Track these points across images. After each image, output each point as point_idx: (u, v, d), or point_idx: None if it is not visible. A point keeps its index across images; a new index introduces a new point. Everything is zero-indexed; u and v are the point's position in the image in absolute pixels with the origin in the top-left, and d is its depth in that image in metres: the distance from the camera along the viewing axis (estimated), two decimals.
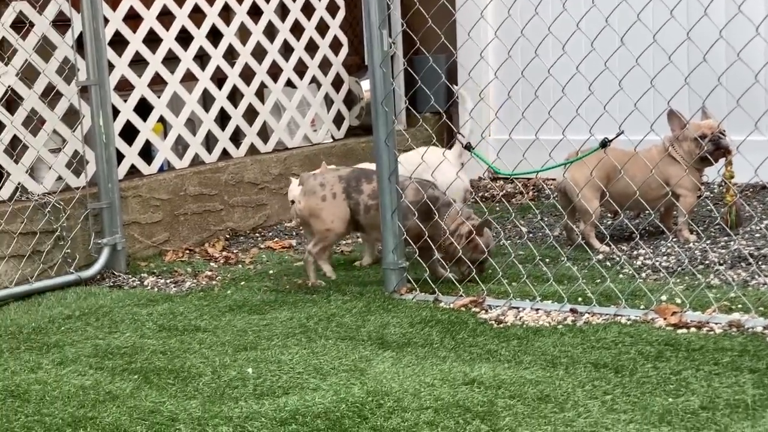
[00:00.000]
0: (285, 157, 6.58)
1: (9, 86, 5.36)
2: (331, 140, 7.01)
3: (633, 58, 4.11)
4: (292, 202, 5.14)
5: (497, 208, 6.17)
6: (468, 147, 4.58)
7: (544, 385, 3.40)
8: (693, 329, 3.86)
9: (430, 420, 3.18)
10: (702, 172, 5.30)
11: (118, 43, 5.86)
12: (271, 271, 5.33)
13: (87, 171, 5.56)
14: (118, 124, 5.80)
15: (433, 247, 4.74)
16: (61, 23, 5.54)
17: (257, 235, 6.27)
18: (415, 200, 4.70)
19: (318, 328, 4.24)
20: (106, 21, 5.64)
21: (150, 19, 6.02)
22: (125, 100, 5.89)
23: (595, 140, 4.53)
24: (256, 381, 3.66)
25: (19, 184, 5.38)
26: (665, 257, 4.96)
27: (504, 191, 6.68)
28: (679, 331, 3.85)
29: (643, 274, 4.72)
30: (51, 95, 5.49)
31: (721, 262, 4.77)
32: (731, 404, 3.14)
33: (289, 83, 6.81)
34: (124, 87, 5.93)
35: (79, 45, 5.47)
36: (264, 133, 6.67)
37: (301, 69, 6.86)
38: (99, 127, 5.43)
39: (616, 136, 4.24)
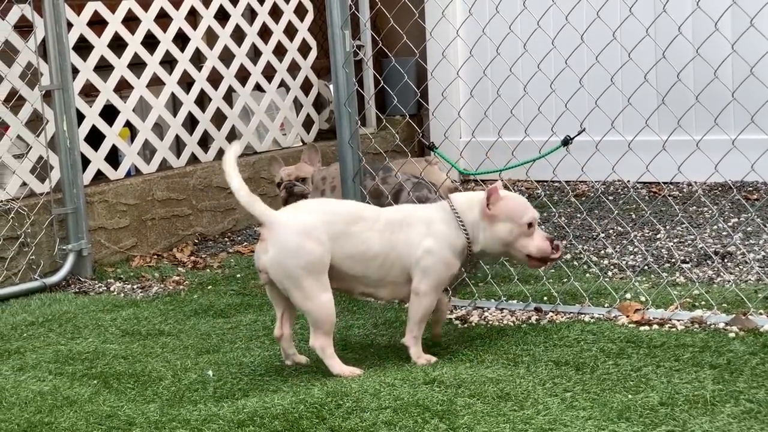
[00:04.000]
0: (254, 161, 6.54)
1: None
2: (301, 144, 6.98)
3: (594, 56, 4.11)
4: None
5: None
6: (432, 147, 4.55)
7: (504, 384, 3.38)
8: (655, 326, 3.85)
9: (388, 420, 3.15)
10: None
11: (84, 48, 5.82)
12: (238, 275, 5.30)
13: (51, 176, 5.51)
14: (84, 130, 5.75)
15: None
16: (24, 28, 5.50)
17: (226, 239, 6.23)
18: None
19: None
20: (70, 26, 5.61)
21: (115, 24, 5.99)
22: (91, 105, 5.85)
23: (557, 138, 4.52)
24: (216, 384, 3.63)
25: None
26: (632, 256, 4.95)
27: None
28: (642, 328, 3.84)
29: (609, 273, 4.71)
30: (14, 100, 5.44)
31: (687, 260, 4.77)
32: (690, 400, 3.13)
33: (258, 87, 6.78)
34: (90, 92, 5.89)
35: (43, 50, 5.43)
36: (233, 137, 6.63)
37: (269, 73, 6.83)
38: (63, 132, 5.39)
39: (578, 134, 4.23)
